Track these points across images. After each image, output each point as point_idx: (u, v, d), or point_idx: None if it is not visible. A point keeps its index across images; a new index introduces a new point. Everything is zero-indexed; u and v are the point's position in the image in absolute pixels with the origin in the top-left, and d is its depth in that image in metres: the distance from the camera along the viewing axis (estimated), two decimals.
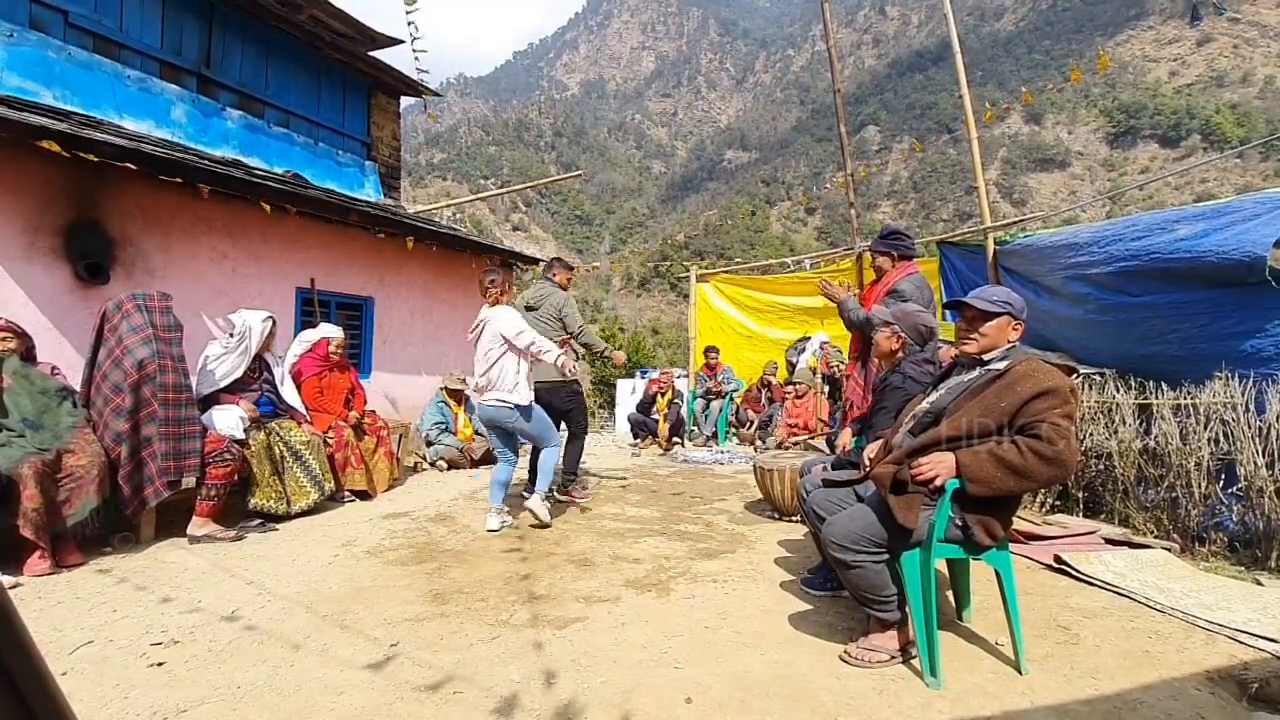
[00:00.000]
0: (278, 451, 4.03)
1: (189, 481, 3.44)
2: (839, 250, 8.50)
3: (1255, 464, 3.25)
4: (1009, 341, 2.20)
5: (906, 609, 2.14)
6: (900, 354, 3.04)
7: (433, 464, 6.08)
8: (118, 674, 2.03)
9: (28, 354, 3.35)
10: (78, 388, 3.50)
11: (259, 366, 4.29)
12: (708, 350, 8.71)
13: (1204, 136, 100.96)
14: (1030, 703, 1.94)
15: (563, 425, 4.53)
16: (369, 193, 7.52)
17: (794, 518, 4.14)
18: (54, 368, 3.50)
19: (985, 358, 2.21)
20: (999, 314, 2.18)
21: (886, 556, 2.11)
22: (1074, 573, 3.05)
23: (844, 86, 6.45)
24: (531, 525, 3.89)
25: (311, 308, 5.78)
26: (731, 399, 8.51)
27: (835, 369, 7.26)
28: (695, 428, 8.47)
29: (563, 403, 4.51)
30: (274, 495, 3.94)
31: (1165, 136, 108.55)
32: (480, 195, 13.22)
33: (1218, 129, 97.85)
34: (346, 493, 4.56)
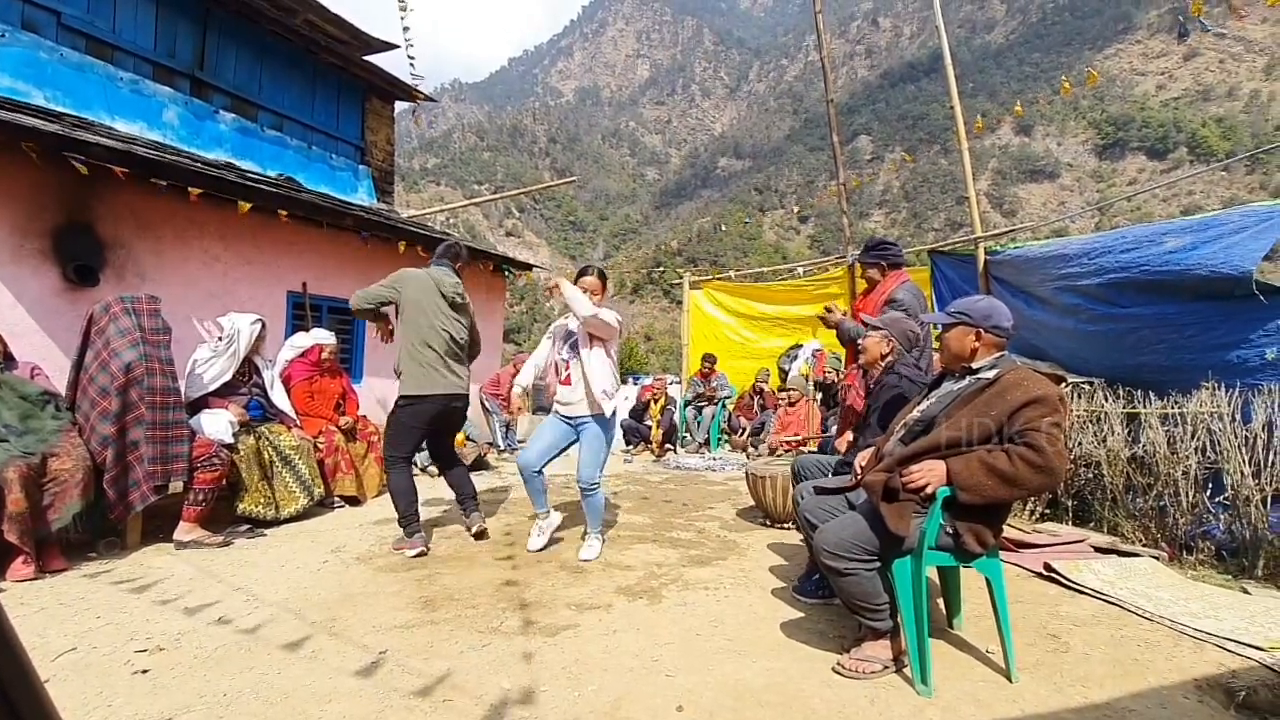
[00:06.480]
0: (267, 456, 3.99)
1: (176, 486, 3.40)
2: (831, 259, 8.55)
3: (1242, 473, 3.28)
4: (973, 349, 2.23)
5: (899, 618, 2.15)
6: (890, 357, 3.11)
7: (423, 469, 6.03)
8: (101, 681, 2.00)
9: (7, 357, 3.32)
10: (62, 390, 3.46)
11: (248, 370, 4.25)
12: (705, 358, 8.72)
13: (1190, 149, 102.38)
14: (1020, 711, 1.95)
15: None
16: (362, 197, 7.51)
17: (786, 524, 4.14)
18: (34, 369, 3.46)
19: (974, 366, 2.23)
20: (954, 323, 2.25)
21: (878, 564, 2.12)
22: (1064, 581, 3.07)
23: (837, 96, 6.52)
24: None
25: (303, 312, 5.74)
26: (724, 406, 8.52)
27: (829, 375, 7.28)
28: (688, 434, 8.48)
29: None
30: (262, 500, 3.90)
31: (1153, 149, 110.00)
32: (474, 200, 13.20)
33: (1204, 142, 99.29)
34: (336, 498, 4.51)
